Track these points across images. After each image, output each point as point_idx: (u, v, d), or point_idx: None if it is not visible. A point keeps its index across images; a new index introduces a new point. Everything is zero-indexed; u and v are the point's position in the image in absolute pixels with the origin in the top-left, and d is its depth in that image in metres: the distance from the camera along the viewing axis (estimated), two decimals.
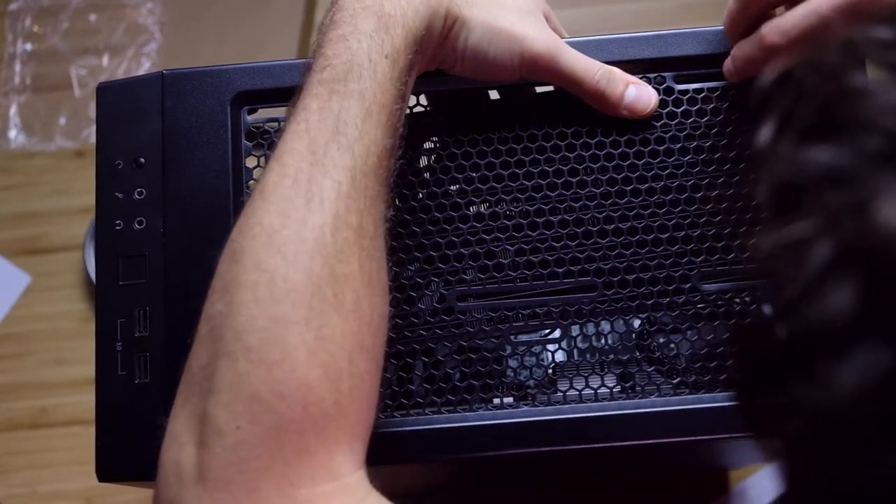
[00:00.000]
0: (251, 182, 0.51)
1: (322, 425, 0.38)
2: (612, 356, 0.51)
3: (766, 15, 0.48)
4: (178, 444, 0.39)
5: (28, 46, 0.97)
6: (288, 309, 0.39)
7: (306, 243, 0.40)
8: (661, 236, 0.50)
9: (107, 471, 0.49)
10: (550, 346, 0.51)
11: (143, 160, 0.51)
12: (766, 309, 0.30)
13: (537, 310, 0.50)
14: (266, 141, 0.52)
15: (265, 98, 0.52)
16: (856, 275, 0.26)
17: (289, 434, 0.38)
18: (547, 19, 0.51)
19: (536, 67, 0.49)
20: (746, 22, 0.49)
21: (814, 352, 0.27)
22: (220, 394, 0.38)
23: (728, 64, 0.50)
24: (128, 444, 0.49)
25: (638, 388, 0.50)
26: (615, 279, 0.50)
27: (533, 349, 0.51)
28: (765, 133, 0.31)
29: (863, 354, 0.26)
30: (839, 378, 0.26)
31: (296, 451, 0.38)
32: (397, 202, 0.51)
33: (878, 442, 0.27)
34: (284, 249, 0.39)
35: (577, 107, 0.51)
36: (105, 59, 0.96)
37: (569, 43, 0.50)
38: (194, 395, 0.39)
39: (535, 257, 0.50)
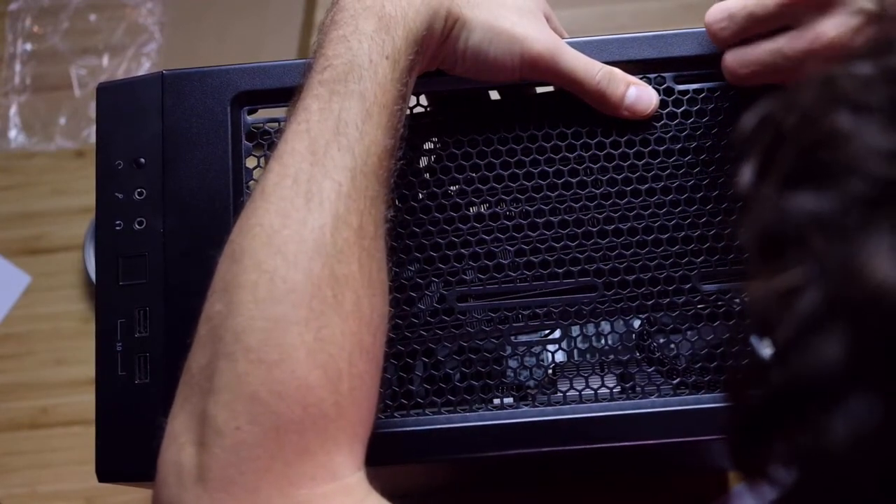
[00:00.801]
0: (251, 182, 0.51)
1: (322, 426, 0.38)
2: (612, 356, 0.51)
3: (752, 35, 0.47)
4: (178, 445, 0.39)
5: (28, 46, 0.97)
6: (288, 309, 0.39)
7: (306, 244, 0.40)
8: (661, 236, 0.50)
9: (107, 471, 0.49)
10: (550, 347, 0.51)
11: (143, 160, 0.51)
12: (761, 355, 0.29)
13: (537, 310, 0.50)
14: (266, 141, 0.52)
15: (265, 98, 0.52)
16: (846, 326, 0.26)
17: (288, 434, 0.38)
18: (547, 19, 0.51)
19: (537, 67, 0.49)
20: (731, 43, 0.48)
21: (807, 400, 0.27)
22: (219, 394, 0.38)
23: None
24: (128, 444, 0.49)
25: (638, 389, 0.50)
26: (615, 279, 0.50)
27: (533, 349, 0.51)
28: (746, 177, 0.30)
29: (855, 405, 0.26)
30: (833, 427, 0.26)
31: (296, 451, 0.38)
32: (397, 202, 0.51)
33: (874, 491, 0.26)
34: (284, 250, 0.39)
35: (577, 107, 0.51)
36: (105, 59, 0.96)
37: (569, 43, 0.50)
38: (194, 396, 0.39)
39: (535, 257, 0.50)
